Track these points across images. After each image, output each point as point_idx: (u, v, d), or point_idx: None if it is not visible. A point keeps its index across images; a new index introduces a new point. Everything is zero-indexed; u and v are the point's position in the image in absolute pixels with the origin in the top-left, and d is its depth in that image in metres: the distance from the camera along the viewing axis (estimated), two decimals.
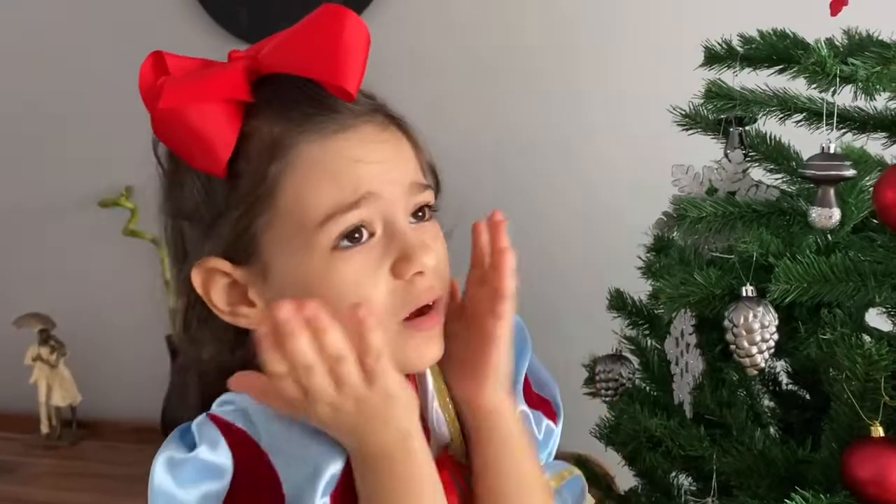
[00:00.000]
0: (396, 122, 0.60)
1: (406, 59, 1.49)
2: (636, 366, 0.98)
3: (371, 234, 0.56)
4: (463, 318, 0.60)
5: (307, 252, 0.55)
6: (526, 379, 0.68)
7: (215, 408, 0.58)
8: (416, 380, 0.62)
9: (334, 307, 0.53)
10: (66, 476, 1.59)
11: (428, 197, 0.59)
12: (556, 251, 1.38)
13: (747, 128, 0.89)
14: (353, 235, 0.55)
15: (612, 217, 1.16)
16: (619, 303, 0.98)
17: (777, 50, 0.84)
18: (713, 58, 0.90)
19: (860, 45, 0.77)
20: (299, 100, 0.57)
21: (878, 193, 0.67)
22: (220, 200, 0.57)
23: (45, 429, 1.70)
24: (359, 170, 0.56)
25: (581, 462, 1.00)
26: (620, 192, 1.21)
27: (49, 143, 1.83)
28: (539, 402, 0.69)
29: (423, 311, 0.57)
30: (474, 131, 1.47)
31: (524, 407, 0.66)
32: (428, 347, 0.58)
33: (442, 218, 0.63)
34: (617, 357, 0.98)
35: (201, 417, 0.57)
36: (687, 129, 0.92)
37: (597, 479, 0.96)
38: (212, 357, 0.61)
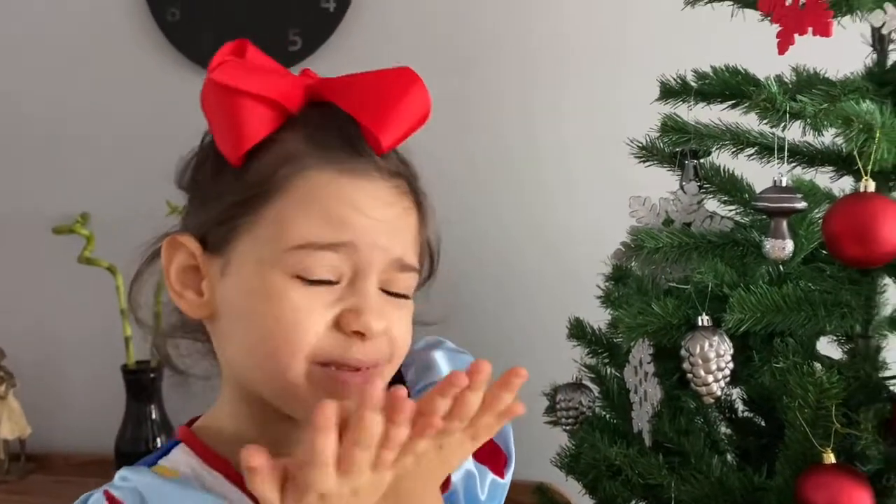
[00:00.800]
0: (416, 195, 0.60)
1: None
2: (596, 394, 0.99)
3: (336, 281, 0.56)
4: None
5: (270, 268, 0.56)
6: None
7: (115, 481, 0.58)
8: None
9: (268, 328, 0.54)
10: None
11: (408, 281, 0.59)
12: (516, 279, 1.40)
13: (702, 160, 0.92)
14: (319, 276, 0.55)
15: (573, 246, 1.19)
16: (578, 332, 0.99)
17: (729, 86, 0.87)
18: (668, 92, 0.93)
19: (808, 83, 0.80)
20: (334, 131, 0.58)
21: (827, 225, 0.70)
22: (222, 184, 0.59)
23: None
24: (352, 217, 0.56)
25: (542, 490, 1.01)
26: (582, 222, 1.24)
27: (2, 167, 1.82)
28: (489, 451, 0.67)
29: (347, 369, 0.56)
30: (444, 156, 1.50)
31: (470, 465, 0.64)
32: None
33: (434, 306, 0.63)
34: (577, 385, 0.99)
35: (98, 493, 0.57)
36: (644, 161, 0.94)
37: None
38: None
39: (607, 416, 0.97)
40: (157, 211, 1.53)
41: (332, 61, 1.63)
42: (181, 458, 0.60)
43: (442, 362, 0.69)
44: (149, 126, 1.74)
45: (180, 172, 0.63)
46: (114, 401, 1.63)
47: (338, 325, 0.55)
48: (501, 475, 0.67)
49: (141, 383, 1.62)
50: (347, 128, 0.57)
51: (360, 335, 0.55)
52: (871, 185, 0.68)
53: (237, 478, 0.57)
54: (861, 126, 0.65)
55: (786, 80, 0.86)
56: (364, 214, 0.56)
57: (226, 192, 0.58)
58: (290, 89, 0.58)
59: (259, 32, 1.64)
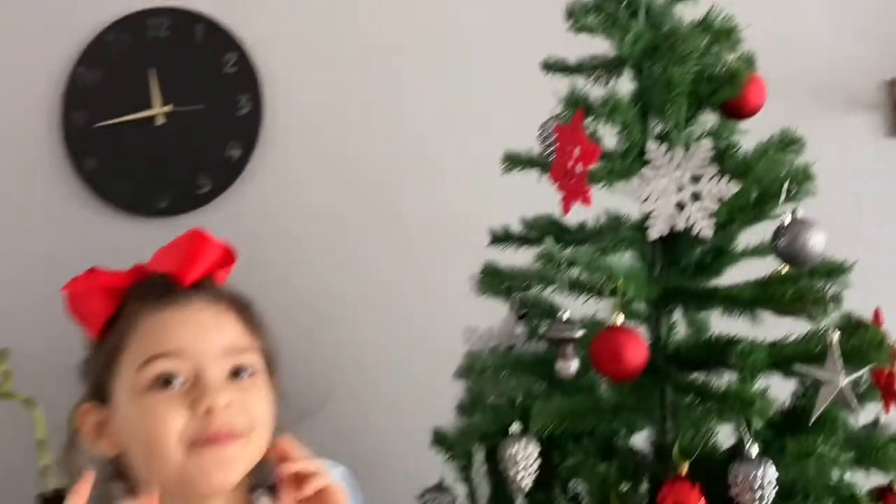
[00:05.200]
0: (232, 303, 0.84)
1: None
2: (459, 495, 1.19)
3: (183, 383, 0.78)
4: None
5: (132, 394, 0.79)
6: None
7: None
8: None
9: (146, 433, 0.77)
10: None
11: (248, 359, 0.82)
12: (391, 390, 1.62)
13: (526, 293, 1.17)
14: (166, 381, 0.78)
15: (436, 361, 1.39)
16: (440, 440, 1.20)
17: (543, 231, 1.14)
18: (497, 239, 1.18)
19: (592, 233, 1.07)
20: (154, 286, 0.83)
21: (591, 349, 0.94)
22: (93, 356, 0.84)
23: None
24: (177, 331, 0.80)
25: None
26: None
27: None
28: None
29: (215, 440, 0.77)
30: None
31: None
32: (215, 470, 0.77)
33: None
34: (439, 488, 1.19)
35: None
36: (483, 294, 1.18)
37: None
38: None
39: None
40: (76, 344, 1.71)
41: (239, 202, 1.86)
42: None
43: None
44: (68, 266, 1.90)
45: (81, 367, 0.87)
46: None
47: (192, 411, 0.77)
48: None
49: None
50: (161, 280, 0.82)
51: (210, 411, 0.77)
52: (620, 319, 0.94)
53: None
54: (607, 276, 0.91)
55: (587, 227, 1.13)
56: (184, 326, 0.80)
57: (94, 360, 0.83)
58: (117, 278, 0.83)
59: (171, 177, 1.86)
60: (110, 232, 1.90)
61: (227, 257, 0.86)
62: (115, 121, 1.86)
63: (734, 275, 1.13)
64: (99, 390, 0.82)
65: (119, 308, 0.83)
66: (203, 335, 0.80)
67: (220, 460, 0.77)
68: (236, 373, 0.81)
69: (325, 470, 0.81)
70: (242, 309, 0.85)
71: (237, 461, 0.79)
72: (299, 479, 0.80)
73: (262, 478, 0.85)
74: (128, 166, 1.87)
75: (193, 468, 0.76)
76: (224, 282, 0.87)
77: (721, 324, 1.11)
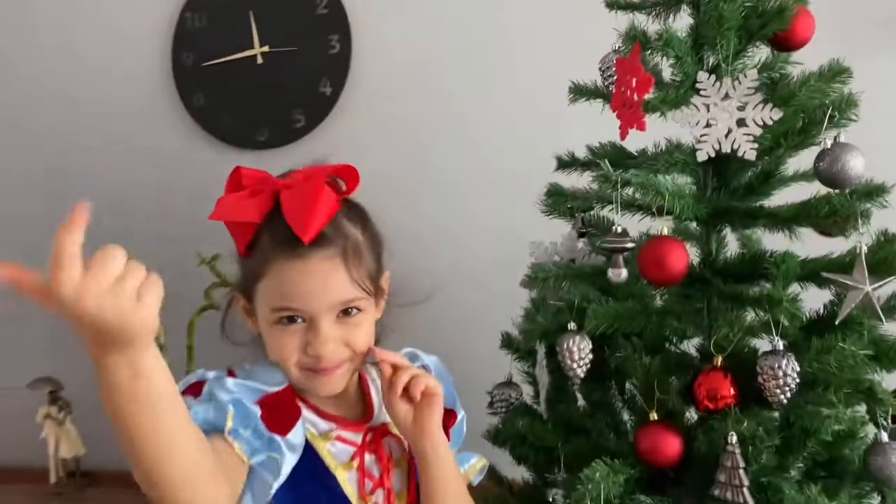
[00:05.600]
0: (342, 255, 0.99)
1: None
2: (523, 389, 1.36)
3: (302, 321, 0.99)
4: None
5: (265, 320, 1.01)
6: None
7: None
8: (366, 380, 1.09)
9: (274, 353, 1.00)
10: None
11: (356, 304, 1.00)
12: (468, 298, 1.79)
13: (589, 213, 1.30)
14: (290, 319, 0.99)
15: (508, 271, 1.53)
16: (507, 342, 1.36)
17: (605, 156, 1.26)
18: (563, 164, 1.32)
19: (646, 157, 1.19)
20: (279, 234, 0.97)
21: (639, 256, 1.07)
22: (243, 267, 1.04)
23: (53, 478, 2.00)
24: (298, 287, 0.98)
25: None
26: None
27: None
28: (445, 413, 1.09)
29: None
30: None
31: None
32: (323, 385, 1.01)
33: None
34: (508, 383, 1.36)
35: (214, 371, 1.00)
36: (548, 215, 1.32)
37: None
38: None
39: (531, 403, 1.33)
40: (188, 261, 1.94)
41: (330, 136, 2.02)
42: None
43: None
44: (179, 193, 2.10)
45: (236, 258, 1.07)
46: None
47: (305, 351, 0.99)
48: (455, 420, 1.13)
49: None
50: (287, 230, 0.96)
51: (318, 357, 0.99)
52: (665, 230, 1.06)
53: (311, 404, 1.03)
54: (655, 193, 1.03)
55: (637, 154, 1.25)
56: (302, 282, 0.97)
57: (244, 273, 1.03)
58: (255, 209, 0.98)
59: (269, 113, 2.05)
60: (215, 162, 2.10)
61: (351, 187, 1.03)
62: (220, 61, 2.04)
63: (784, 197, 1.23)
64: (246, 293, 1.03)
65: (256, 236, 0.99)
66: (319, 294, 0.98)
67: (328, 382, 1.01)
68: (347, 311, 1.00)
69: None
70: (355, 252, 1.01)
71: (341, 379, 1.02)
72: (395, 370, 1.02)
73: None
74: (231, 103, 2.05)
75: (307, 383, 1.01)
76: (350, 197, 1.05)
77: (772, 243, 1.22)
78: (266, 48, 2.03)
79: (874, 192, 1.12)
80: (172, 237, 2.11)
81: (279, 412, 0.97)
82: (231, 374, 0.99)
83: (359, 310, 1.01)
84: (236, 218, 0.98)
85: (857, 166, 1.08)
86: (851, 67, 1.16)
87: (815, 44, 1.19)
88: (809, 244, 1.17)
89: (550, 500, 1.16)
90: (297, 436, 0.97)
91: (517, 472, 1.32)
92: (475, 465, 1.16)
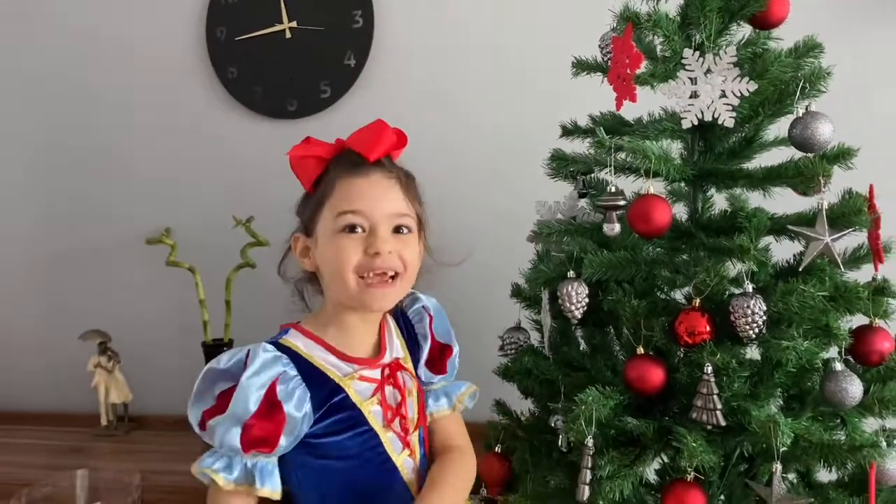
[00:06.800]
0: (400, 177, 1.19)
1: None
2: (531, 333, 1.54)
3: (363, 230, 1.16)
4: None
5: (331, 232, 1.17)
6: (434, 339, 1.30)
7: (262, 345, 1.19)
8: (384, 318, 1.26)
9: (335, 261, 1.16)
10: (121, 455, 2.03)
11: (407, 221, 1.19)
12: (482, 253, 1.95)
13: (589, 176, 1.47)
14: (352, 228, 1.15)
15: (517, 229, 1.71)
16: (517, 291, 1.54)
17: (605, 125, 1.42)
18: (567, 132, 1.48)
19: (637, 125, 1.35)
20: (349, 159, 1.18)
21: (629, 212, 1.23)
22: (308, 202, 1.22)
23: (104, 422, 2.20)
24: (361, 196, 1.16)
25: (498, 403, 1.55)
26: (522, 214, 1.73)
27: (115, 199, 2.37)
28: (441, 347, 1.29)
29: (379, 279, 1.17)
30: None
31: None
32: (375, 299, 1.17)
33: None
34: (517, 328, 1.54)
35: (257, 345, 1.18)
36: (553, 177, 1.49)
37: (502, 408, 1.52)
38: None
39: (537, 346, 1.51)
40: (225, 223, 2.11)
41: (354, 105, 2.19)
42: (295, 338, 1.20)
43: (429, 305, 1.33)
44: (213, 160, 2.27)
45: (296, 207, 1.25)
46: (195, 371, 2.13)
47: (366, 252, 1.15)
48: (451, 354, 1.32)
49: (216, 356, 2.16)
50: (353, 156, 1.17)
51: (377, 255, 1.15)
52: (651, 189, 1.23)
53: (334, 350, 1.20)
54: (642, 156, 1.20)
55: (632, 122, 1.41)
56: (366, 192, 1.16)
57: (307, 206, 1.21)
58: (325, 149, 1.19)
59: (298, 85, 2.22)
60: (247, 131, 2.28)
61: (401, 141, 1.21)
62: (251, 35, 2.21)
63: (768, 161, 1.38)
64: (307, 227, 1.21)
65: (324, 171, 1.19)
66: (378, 202, 1.16)
67: (382, 295, 1.17)
68: (398, 229, 1.18)
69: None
70: (406, 183, 1.20)
71: (393, 295, 1.19)
72: None
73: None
74: (262, 74, 2.21)
75: (364, 296, 1.16)
76: (397, 157, 1.23)
77: (767, 204, 1.37)
78: (294, 24, 2.19)
79: (840, 154, 1.28)
80: (211, 200, 2.29)
81: (272, 408, 1.11)
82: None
83: (409, 230, 1.19)
84: (309, 153, 1.18)
85: (825, 132, 1.23)
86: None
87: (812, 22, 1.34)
88: (791, 203, 1.32)
89: (553, 425, 1.34)
90: (300, 406, 1.13)
91: (524, 406, 1.51)
92: (465, 392, 1.35)
